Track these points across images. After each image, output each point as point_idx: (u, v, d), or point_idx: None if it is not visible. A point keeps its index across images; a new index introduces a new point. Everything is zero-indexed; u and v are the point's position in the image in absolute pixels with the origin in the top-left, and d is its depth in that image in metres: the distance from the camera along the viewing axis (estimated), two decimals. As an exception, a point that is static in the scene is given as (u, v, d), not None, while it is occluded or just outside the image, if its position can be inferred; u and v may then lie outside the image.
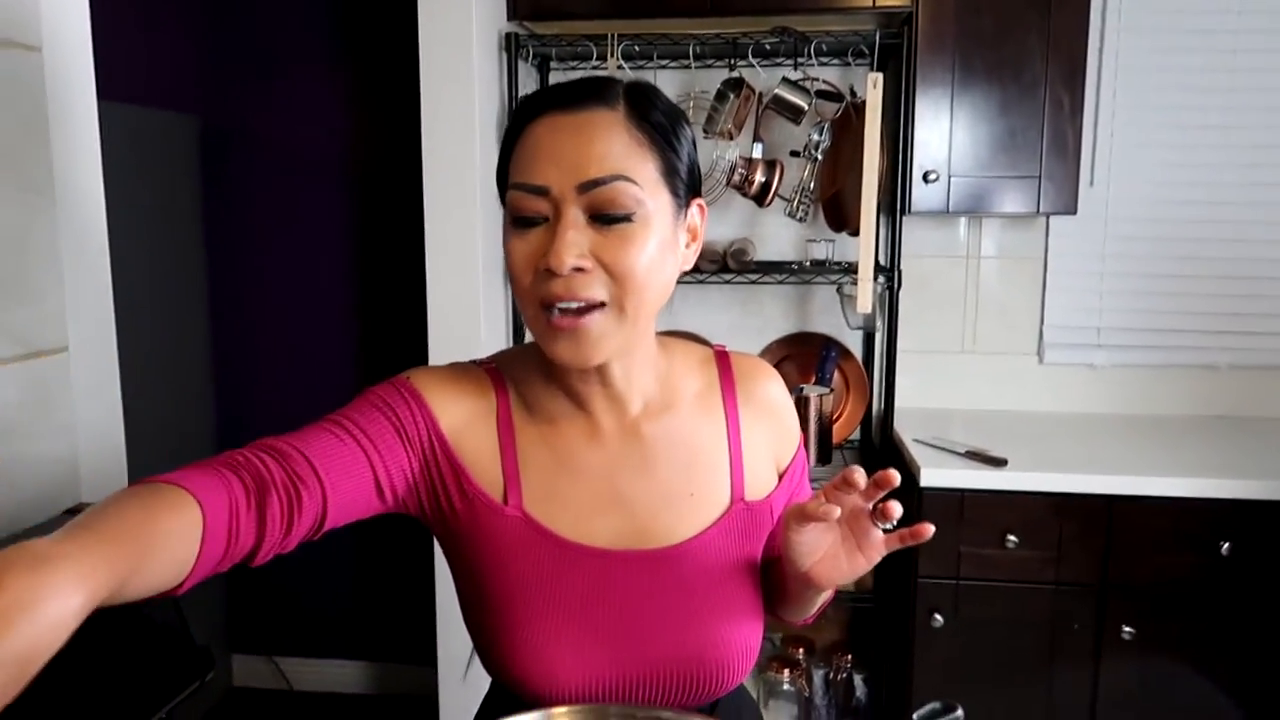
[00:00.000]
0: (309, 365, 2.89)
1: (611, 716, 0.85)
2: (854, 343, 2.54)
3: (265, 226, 2.86)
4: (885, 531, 0.85)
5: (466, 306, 2.11)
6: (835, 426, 2.44)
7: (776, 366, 2.55)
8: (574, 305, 0.82)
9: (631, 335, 0.86)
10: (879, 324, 2.34)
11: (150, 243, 2.59)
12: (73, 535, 0.60)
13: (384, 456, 0.85)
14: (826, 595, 0.99)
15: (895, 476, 0.81)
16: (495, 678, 0.93)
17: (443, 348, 2.13)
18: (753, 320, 2.55)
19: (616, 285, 0.82)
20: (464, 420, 0.90)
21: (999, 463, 2.04)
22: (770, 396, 1.00)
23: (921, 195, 2.22)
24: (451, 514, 0.90)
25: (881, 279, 2.27)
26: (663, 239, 0.84)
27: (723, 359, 1.00)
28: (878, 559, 0.86)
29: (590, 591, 0.90)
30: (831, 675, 2.43)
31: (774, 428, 1.00)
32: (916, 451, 2.14)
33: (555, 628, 0.88)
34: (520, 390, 0.93)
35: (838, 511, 0.81)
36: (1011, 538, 2.02)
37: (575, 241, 0.81)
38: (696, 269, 2.34)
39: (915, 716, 0.83)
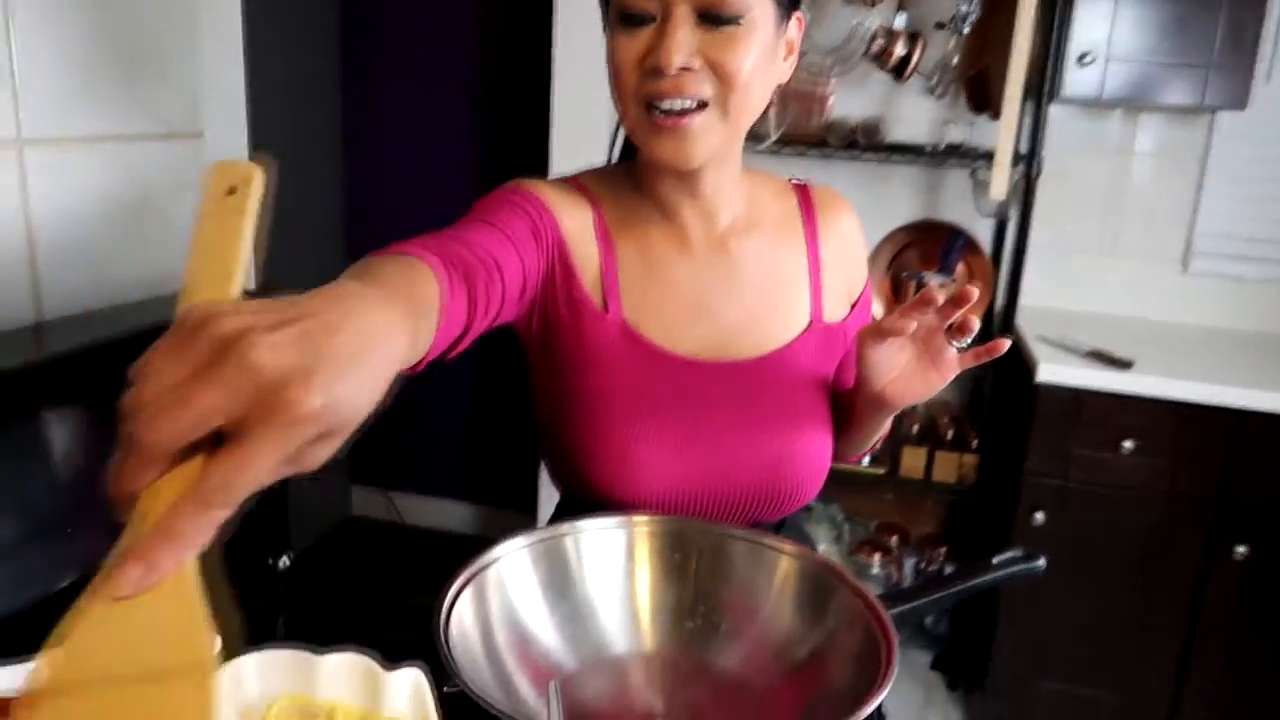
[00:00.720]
0: (433, 173, 2.98)
1: (689, 529, 0.88)
2: (983, 235, 2.44)
3: (398, 43, 2.92)
4: (961, 350, 0.87)
5: (591, 127, 2.12)
6: (953, 318, 2.37)
7: (899, 253, 2.50)
8: (679, 104, 0.83)
9: (729, 140, 0.88)
10: (1012, 214, 2.23)
11: (287, 55, 2.66)
12: (371, 281, 0.54)
13: (526, 255, 0.88)
14: (883, 429, 1.02)
15: (974, 292, 0.82)
16: (571, 489, 0.97)
17: (566, 165, 2.18)
18: (878, 203, 2.48)
19: (722, 85, 0.84)
20: (574, 227, 0.93)
21: (1124, 364, 1.96)
22: (847, 228, 1.04)
23: (1074, 80, 2.09)
24: (556, 322, 0.93)
25: (1020, 167, 2.16)
26: (765, 45, 0.85)
27: (802, 189, 1.04)
28: (950, 377, 0.88)
29: (677, 399, 0.93)
30: (923, 565, 2.44)
31: (848, 258, 1.04)
32: (1036, 348, 2.07)
33: (642, 433, 0.91)
34: (611, 203, 0.96)
35: (913, 325, 0.83)
36: (1128, 443, 1.95)
37: (685, 40, 0.82)
38: (824, 143, 2.28)
39: (994, 561, 0.83)
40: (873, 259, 2.42)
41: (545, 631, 0.82)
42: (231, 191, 0.44)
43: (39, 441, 0.81)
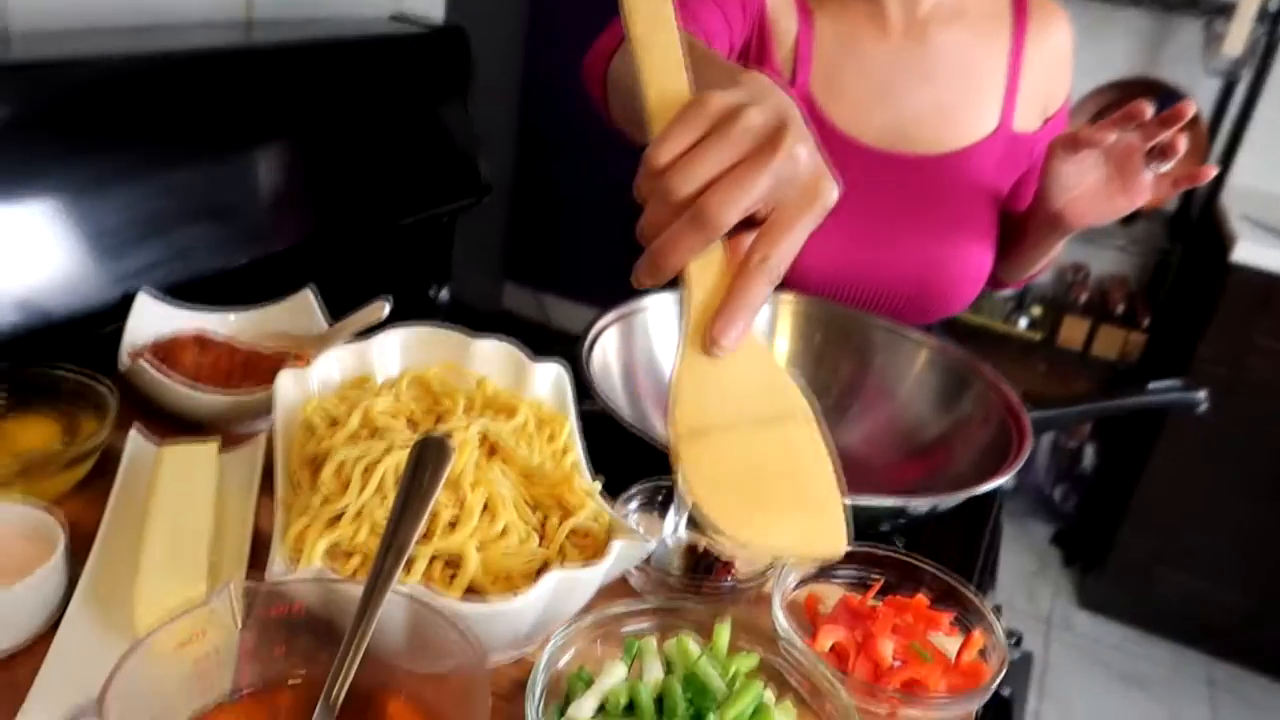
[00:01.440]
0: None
1: (833, 312, 0.89)
2: (1205, 100, 2.22)
3: None
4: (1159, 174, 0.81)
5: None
6: (1150, 188, 2.20)
7: (1100, 113, 2.31)
8: None
9: None
10: (1244, 76, 2.01)
11: None
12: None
13: (733, 23, 0.87)
14: (1049, 256, 0.97)
15: (1189, 108, 0.76)
16: None
17: None
18: (1091, 53, 2.27)
19: None
20: None
21: (1336, 255, 1.78)
22: (1058, 42, 0.98)
23: (1356, -75, 1.82)
24: None
25: (1264, 25, 1.93)
26: None
27: None
28: (1139, 203, 0.83)
29: (850, 184, 0.91)
30: (1061, 439, 2.37)
31: (1053, 73, 0.98)
32: (1238, 226, 1.90)
33: None
34: None
35: (1112, 138, 0.78)
36: (1319, 341, 1.81)
37: None
38: (1044, -25, 2.09)
39: (1150, 386, 0.80)
40: (1074, 112, 2.25)
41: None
42: None
43: (238, 126, 0.88)
